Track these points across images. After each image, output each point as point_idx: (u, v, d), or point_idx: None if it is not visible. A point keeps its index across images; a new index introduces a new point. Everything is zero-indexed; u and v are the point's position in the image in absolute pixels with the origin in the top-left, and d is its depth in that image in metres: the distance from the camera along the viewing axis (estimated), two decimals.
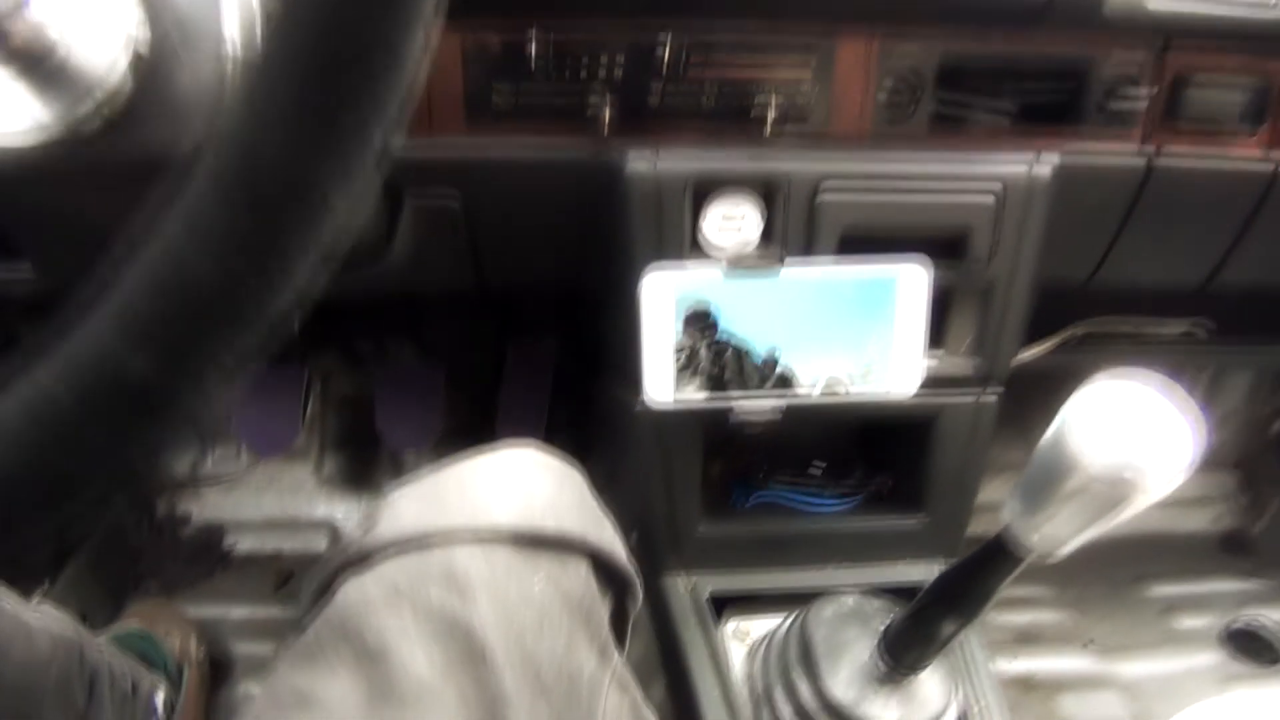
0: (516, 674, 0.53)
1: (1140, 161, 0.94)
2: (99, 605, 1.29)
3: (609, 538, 0.66)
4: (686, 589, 1.05)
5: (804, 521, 1.10)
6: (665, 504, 1.04)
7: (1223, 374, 1.57)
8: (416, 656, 0.52)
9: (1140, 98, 0.93)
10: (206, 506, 1.52)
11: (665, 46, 0.86)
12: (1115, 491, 0.59)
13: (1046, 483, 0.62)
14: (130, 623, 1.20)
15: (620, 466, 1.09)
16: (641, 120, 0.90)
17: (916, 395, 0.96)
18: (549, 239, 0.99)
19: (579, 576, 0.61)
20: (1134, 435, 0.58)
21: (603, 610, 0.62)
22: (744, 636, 1.04)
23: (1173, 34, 0.89)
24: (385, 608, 0.54)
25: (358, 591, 0.56)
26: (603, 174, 0.90)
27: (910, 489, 1.08)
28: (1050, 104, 0.95)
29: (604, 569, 0.64)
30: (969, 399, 1.01)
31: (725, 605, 1.06)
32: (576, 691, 0.55)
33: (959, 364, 1.00)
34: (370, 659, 0.53)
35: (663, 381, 0.90)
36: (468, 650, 0.53)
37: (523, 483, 0.64)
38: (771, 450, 1.17)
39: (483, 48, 0.86)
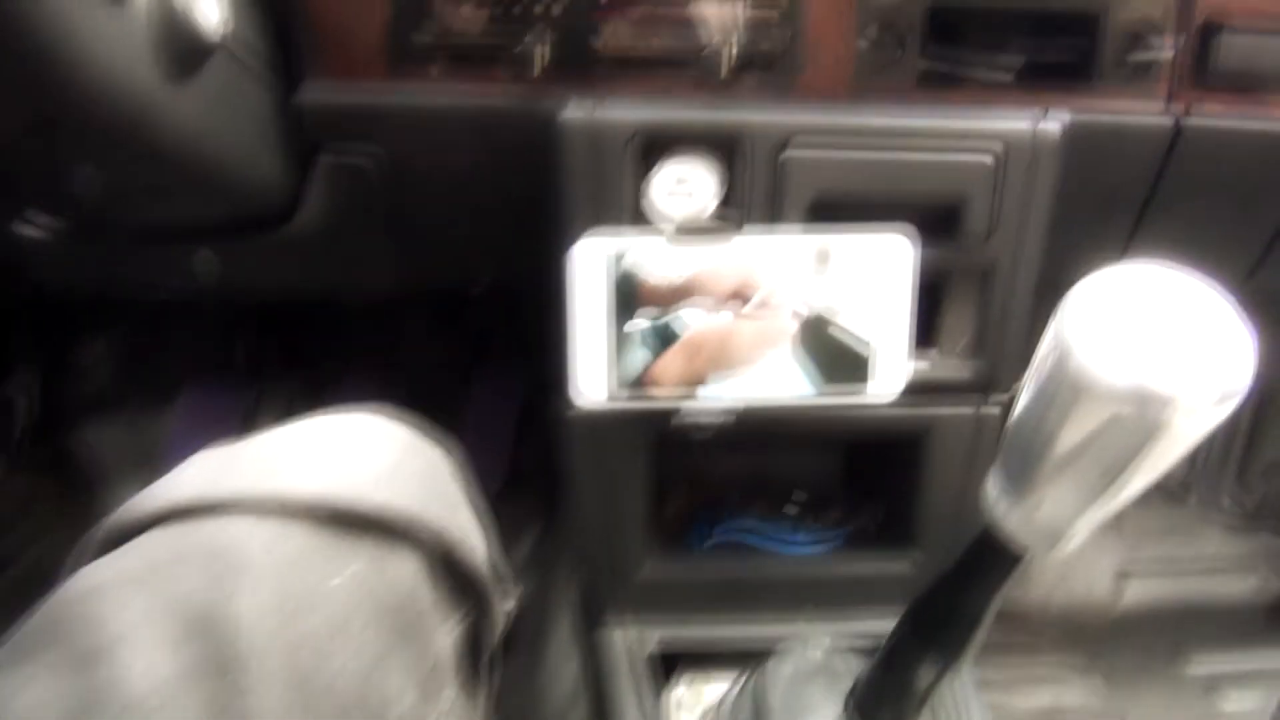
0: (278, 695, 0.38)
1: (1167, 120, 0.80)
2: None
3: (463, 529, 0.51)
4: (627, 642, 0.87)
5: (774, 564, 0.93)
6: (604, 534, 0.87)
7: (1265, 412, 1.40)
8: (146, 659, 0.38)
9: (1164, 48, 0.79)
10: None
11: None
12: (1143, 419, 0.42)
13: (1042, 429, 0.45)
14: None
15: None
16: (582, 63, 0.77)
17: (904, 404, 0.81)
18: (479, 212, 0.85)
19: (406, 575, 0.46)
20: (1161, 331, 0.42)
21: (441, 627, 0.48)
22: (695, 702, 0.86)
23: None
24: (116, 596, 0.40)
25: (89, 577, 0.41)
26: (535, 127, 0.76)
27: (900, 523, 0.91)
28: (1058, 61, 0.82)
29: (452, 571, 0.49)
30: (967, 410, 0.84)
31: (676, 663, 0.88)
32: None
33: (955, 367, 0.84)
34: (84, 662, 0.38)
35: (594, 376, 0.74)
36: (217, 655, 0.38)
37: (351, 449, 0.50)
38: (743, 482, 1.01)
39: None
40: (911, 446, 0.86)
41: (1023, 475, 0.48)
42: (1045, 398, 0.45)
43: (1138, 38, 0.80)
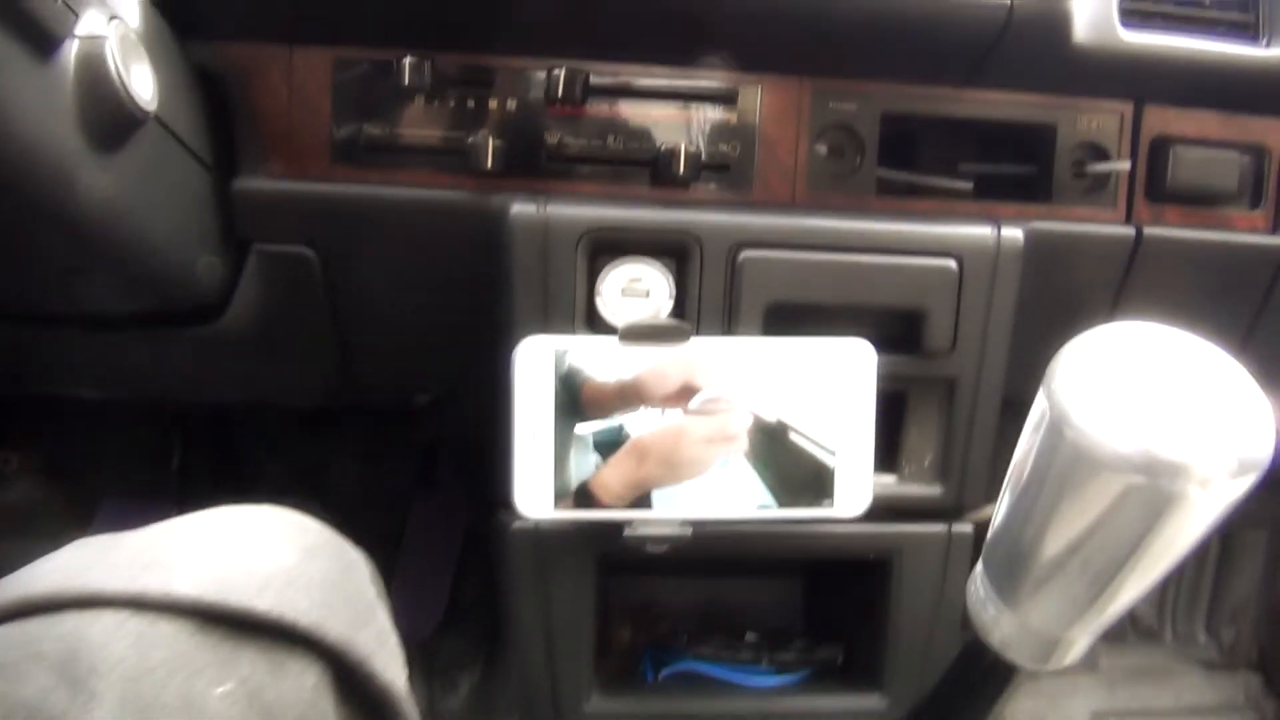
0: None
1: (1129, 230, 0.80)
2: None
3: (377, 642, 0.45)
4: None
5: (732, 699, 0.85)
6: (547, 663, 0.79)
7: (1231, 551, 1.36)
8: None
9: (1116, 167, 0.79)
10: None
11: (561, 81, 0.73)
12: (1153, 492, 0.37)
13: (1034, 514, 0.41)
14: None
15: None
16: (532, 164, 0.75)
17: (869, 524, 0.76)
18: (423, 313, 0.81)
19: (304, 688, 0.41)
20: (1166, 394, 0.38)
21: None
22: None
23: (1147, 79, 0.77)
24: None
25: None
26: (484, 225, 0.74)
27: (868, 655, 0.84)
28: (1014, 176, 0.82)
29: (360, 688, 0.43)
30: (938, 529, 0.80)
31: None
32: None
33: (921, 486, 0.80)
34: None
35: (537, 486, 0.69)
36: None
37: (247, 545, 0.45)
38: (695, 615, 0.94)
39: (355, 75, 0.73)
40: (877, 571, 0.80)
41: (1012, 574, 0.43)
42: (1037, 476, 0.41)
43: (1090, 154, 0.81)
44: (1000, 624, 0.45)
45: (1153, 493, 0.37)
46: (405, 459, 1.22)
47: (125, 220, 0.61)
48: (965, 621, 0.48)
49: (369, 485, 1.21)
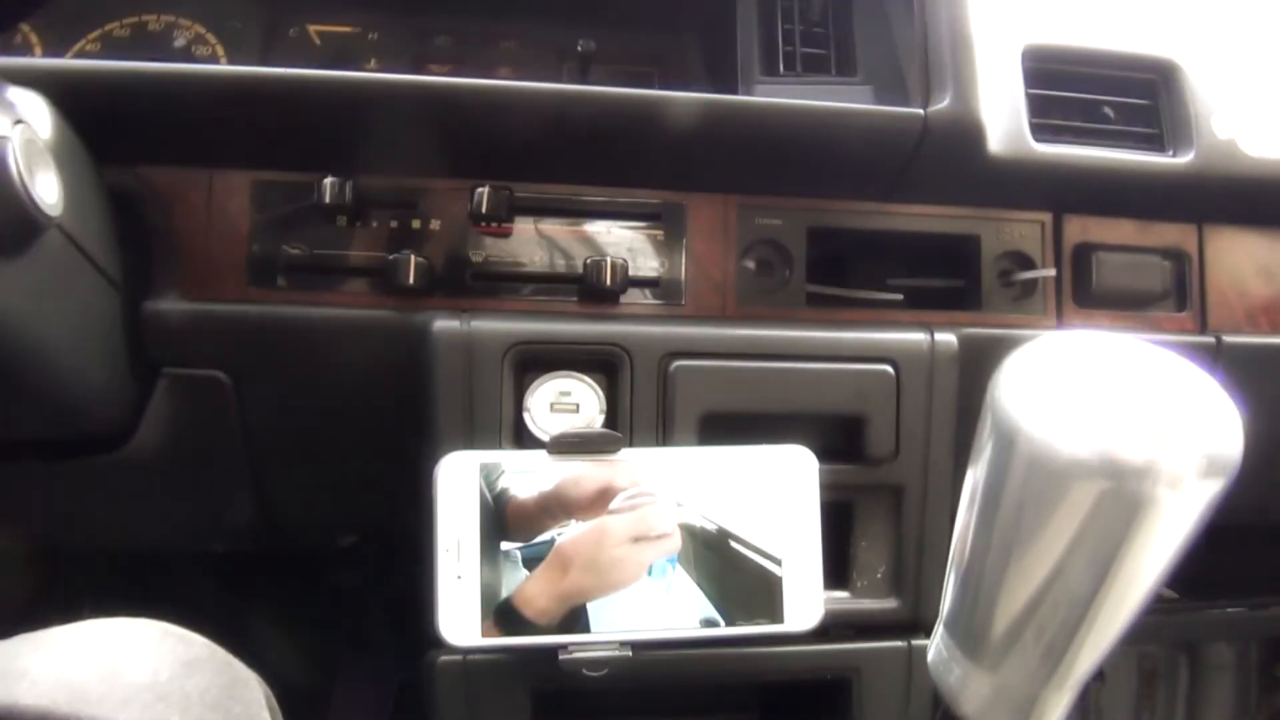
0: None
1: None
2: None
3: None
4: None
5: None
6: None
7: (1201, 678, 1.30)
8: None
9: (1042, 274, 0.80)
10: None
11: (485, 199, 0.73)
12: (1122, 497, 0.33)
13: (991, 549, 0.37)
14: None
15: None
16: (457, 282, 0.75)
17: (824, 643, 0.72)
18: (345, 438, 0.77)
19: None
20: (1124, 395, 0.34)
21: None
22: None
23: (1063, 189, 0.79)
24: None
25: None
26: (406, 345, 0.72)
27: None
28: (943, 289, 0.83)
29: None
30: (896, 647, 0.74)
31: None
32: None
33: (876, 603, 0.75)
34: None
35: (462, 612, 0.64)
36: None
37: (118, 655, 0.40)
38: None
39: (274, 196, 0.73)
40: (836, 695, 0.74)
41: (976, 623, 0.39)
42: (990, 505, 0.37)
43: (1015, 265, 0.82)
44: (969, 686, 0.40)
45: (1120, 499, 0.34)
46: (330, 610, 1.14)
47: (18, 332, 0.58)
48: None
49: (292, 641, 1.12)
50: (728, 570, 0.67)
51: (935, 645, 0.43)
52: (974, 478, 0.40)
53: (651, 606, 0.66)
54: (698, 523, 0.67)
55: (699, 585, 0.66)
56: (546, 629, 0.65)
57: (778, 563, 0.67)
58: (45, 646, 0.40)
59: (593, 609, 0.65)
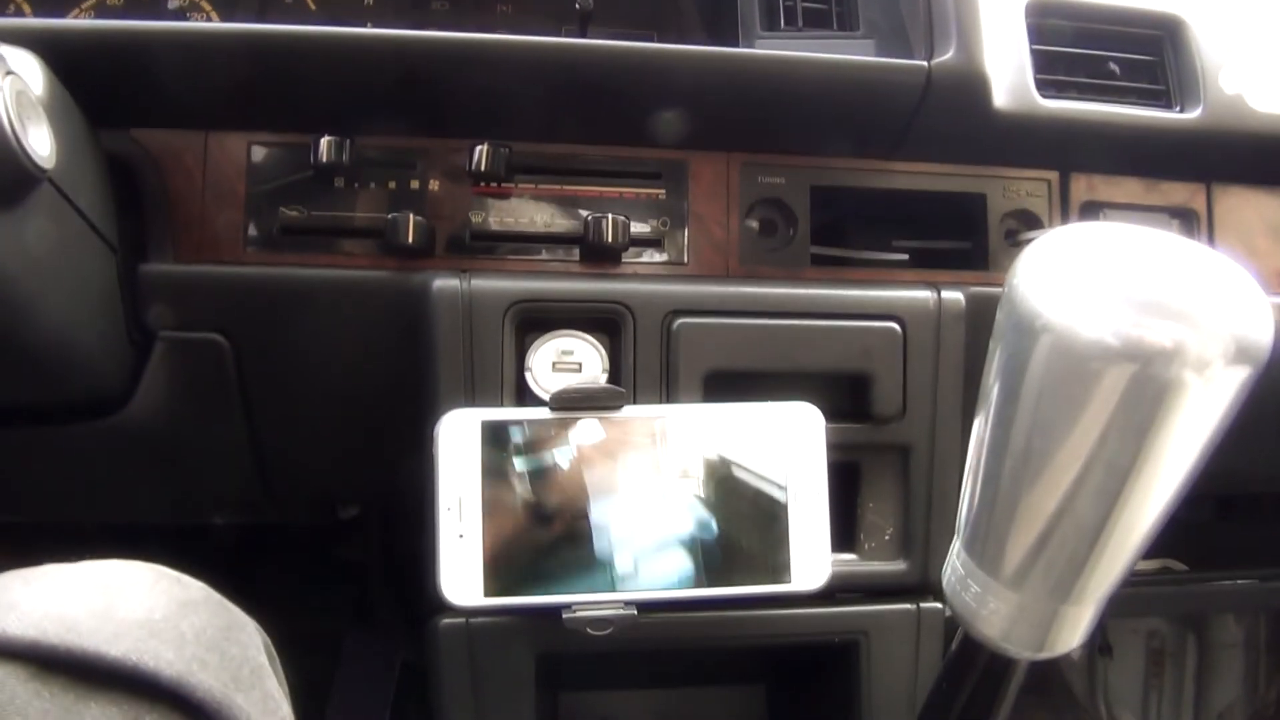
0: None
1: None
2: None
3: (257, 706, 0.41)
4: None
5: None
6: None
7: (1210, 657, 1.29)
8: None
9: (1050, 229, 0.79)
10: None
11: (484, 158, 0.72)
12: (1148, 382, 0.32)
13: (1011, 446, 0.35)
14: None
15: None
16: (456, 243, 0.74)
17: (831, 605, 0.71)
18: (345, 408, 0.76)
19: None
20: (1147, 279, 0.33)
21: None
22: None
23: (1069, 146, 0.78)
24: None
25: None
26: (406, 307, 0.71)
27: None
28: (948, 251, 0.82)
29: None
30: (905, 609, 0.73)
31: None
32: None
33: (884, 565, 0.74)
34: None
35: (465, 572, 0.63)
36: None
37: (112, 592, 0.40)
38: None
39: (271, 158, 0.72)
40: (844, 659, 0.73)
41: (994, 533, 0.37)
42: (1008, 402, 0.36)
43: (1024, 220, 0.80)
44: (988, 604, 0.39)
45: (1146, 384, 0.32)
46: (333, 586, 1.12)
47: (11, 290, 0.57)
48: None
49: (294, 618, 1.11)
50: (733, 529, 0.66)
51: (950, 566, 0.42)
52: (989, 382, 0.38)
53: (657, 567, 0.65)
54: (702, 480, 0.66)
55: (705, 544, 0.65)
56: (550, 588, 0.64)
57: (785, 522, 0.66)
58: (36, 581, 0.39)
59: (597, 569, 0.64)
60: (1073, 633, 0.39)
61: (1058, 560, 0.37)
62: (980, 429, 0.40)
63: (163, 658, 0.37)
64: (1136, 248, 0.35)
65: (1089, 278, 0.34)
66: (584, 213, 0.74)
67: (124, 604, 0.39)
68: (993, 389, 0.38)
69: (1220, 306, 0.33)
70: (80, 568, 0.42)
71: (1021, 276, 0.37)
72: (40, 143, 0.55)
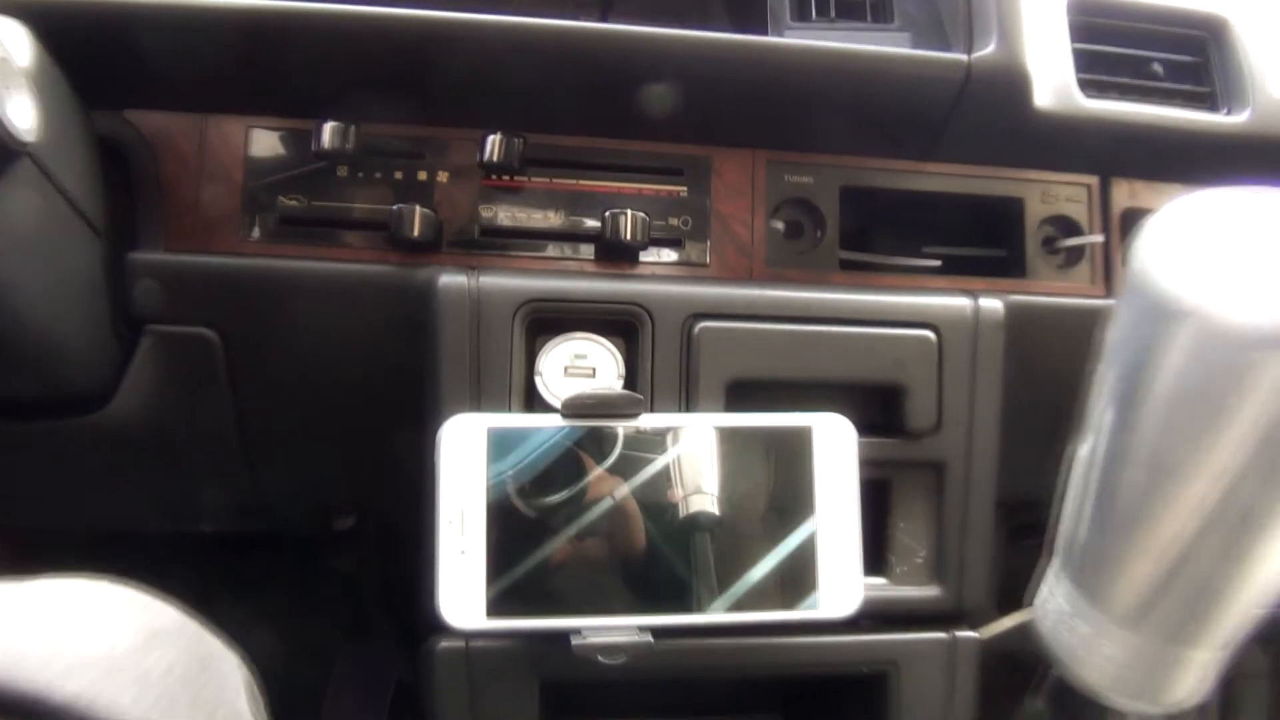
0: None
1: (1112, 301, 0.74)
2: None
3: None
4: None
5: None
6: None
7: (1236, 680, 1.23)
8: None
9: (1090, 240, 0.75)
10: None
11: (496, 149, 0.67)
12: None
13: (1134, 455, 0.30)
14: None
15: None
16: (465, 237, 0.69)
17: (859, 634, 0.66)
18: (341, 410, 0.72)
19: None
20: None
21: None
22: None
23: (1111, 150, 0.74)
24: None
25: None
26: (409, 303, 0.66)
27: None
28: (983, 258, 0.77)
29: None
30: (938, 639, 0.68)
31: None
32: None
33: (916, 590, 0.69)
34: None
35: (467, 591, 0.58)
36: None
37: (70, 621, 0.36)
38: None
39: (271, 144, 0.68)
40: (872, 691, 0.68)
41: (1104, 568, 0.32)
42: (1129, 403, 0.30)
43: (1062, 227, 0.76)
44: (1100, 646, 0.33)
45: None
46: (326, 598, 1.07)
47: None
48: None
49: (284, 631, 1.06)
50: (757, 550, 0.61)
51: (1047, 598, 0.37)
52: (1103, 382, 0.34)
53: (674, 591, 0.60)
54: (724, 496, 0.61)
55: (726, 566, 0.61)
56: (558, 610, 0.59)
57: (813, 543, 0.62)
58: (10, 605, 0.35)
59: (609, 591, 0.60)
60: (1198, 682, 0.33)
61: (1189, 595, 0.32)
62: (1096, 437, 0.35)
63: (120, 700, 0.32)
64: (1270, 225, 0.30)
65: (1239, 251, 0.30)
66: (600, 209, 0.70)
67: (80, 633, 0.34)
68: (1106, 390, 0.33)
69: None
70: (32, 586, 0.37)
71: (1147, 255, 0.32)
72: (20, 114, 0.51)
